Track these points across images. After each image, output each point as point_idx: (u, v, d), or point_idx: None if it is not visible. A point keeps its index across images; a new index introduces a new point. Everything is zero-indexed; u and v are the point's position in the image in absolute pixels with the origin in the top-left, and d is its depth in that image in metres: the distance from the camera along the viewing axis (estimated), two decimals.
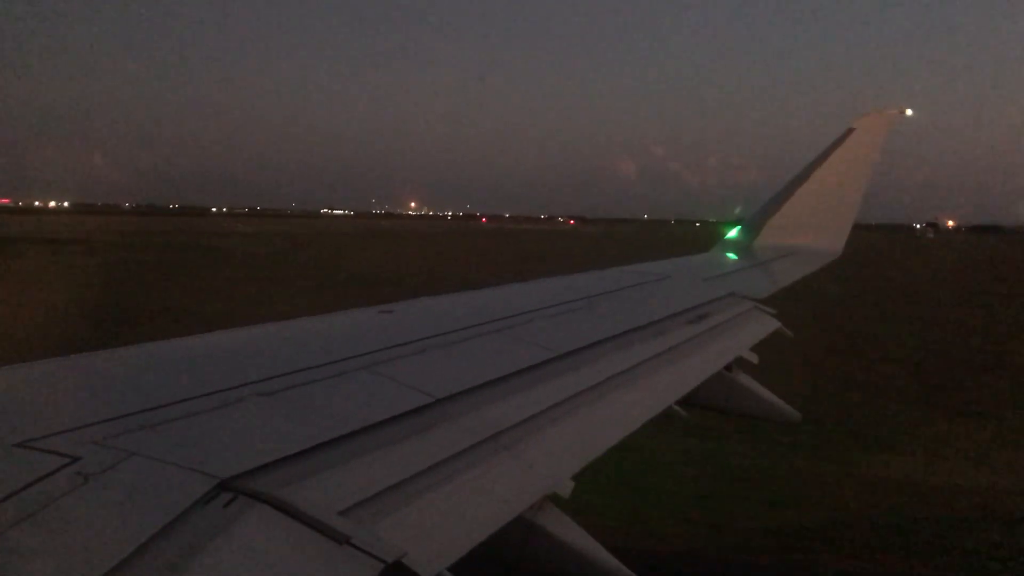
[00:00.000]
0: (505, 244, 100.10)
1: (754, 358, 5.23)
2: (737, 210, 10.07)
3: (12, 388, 2.41)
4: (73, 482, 1.71)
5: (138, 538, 1.56)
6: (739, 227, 9.74)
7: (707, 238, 10.07)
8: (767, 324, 5.99)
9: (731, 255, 9.01)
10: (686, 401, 4.06)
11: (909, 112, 9.24)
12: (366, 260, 61.96)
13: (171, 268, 50.17)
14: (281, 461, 2.04)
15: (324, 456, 2.15)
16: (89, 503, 1.65)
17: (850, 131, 9.21)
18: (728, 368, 4.98)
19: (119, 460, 1.85)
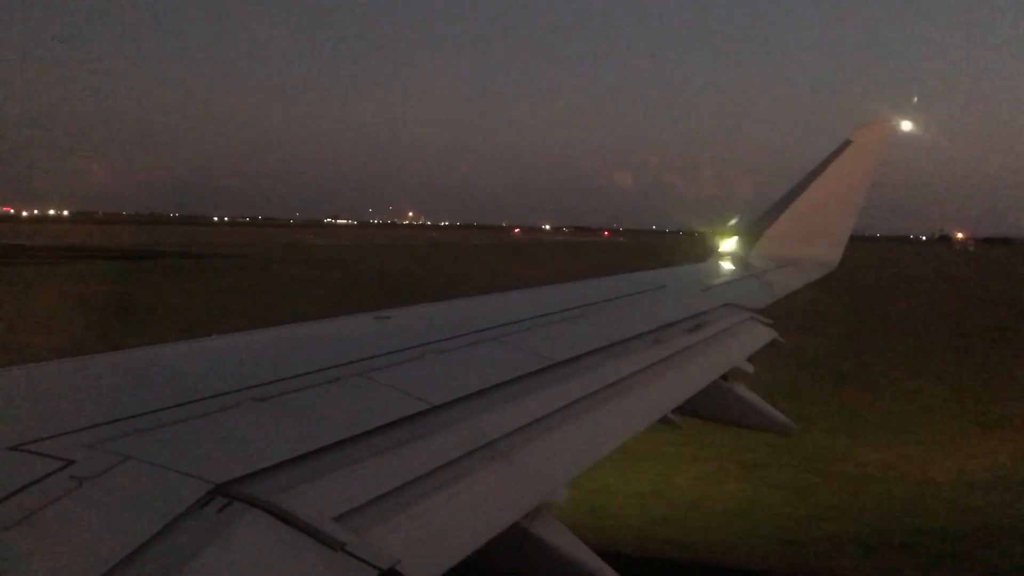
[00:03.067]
0: (609, 255, 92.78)
1: (750, 368, 5.25)
2: (733, 221, 10.09)
3: (5, 391, 2.41)
4: (66, 486, 1.71)
5: (132, 542, 1.56)
6: (736, 237, 9.76)
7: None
8: (763, 334, 6.01)
9: (728, 265, 9.02)
10: (682, 410, 4.07)
11: (908, 124, 9.28)
12: (522, 276, 50.92)
13: (376, 287, 44.15)
14: (276, 467, 2.03)
15: (319, 462, 2.15)
16: (82, 507, 1.65)
17: (848, 142, 9.24)
18: (724, 378, 5.00)
19: (113, 464, 1.85)
